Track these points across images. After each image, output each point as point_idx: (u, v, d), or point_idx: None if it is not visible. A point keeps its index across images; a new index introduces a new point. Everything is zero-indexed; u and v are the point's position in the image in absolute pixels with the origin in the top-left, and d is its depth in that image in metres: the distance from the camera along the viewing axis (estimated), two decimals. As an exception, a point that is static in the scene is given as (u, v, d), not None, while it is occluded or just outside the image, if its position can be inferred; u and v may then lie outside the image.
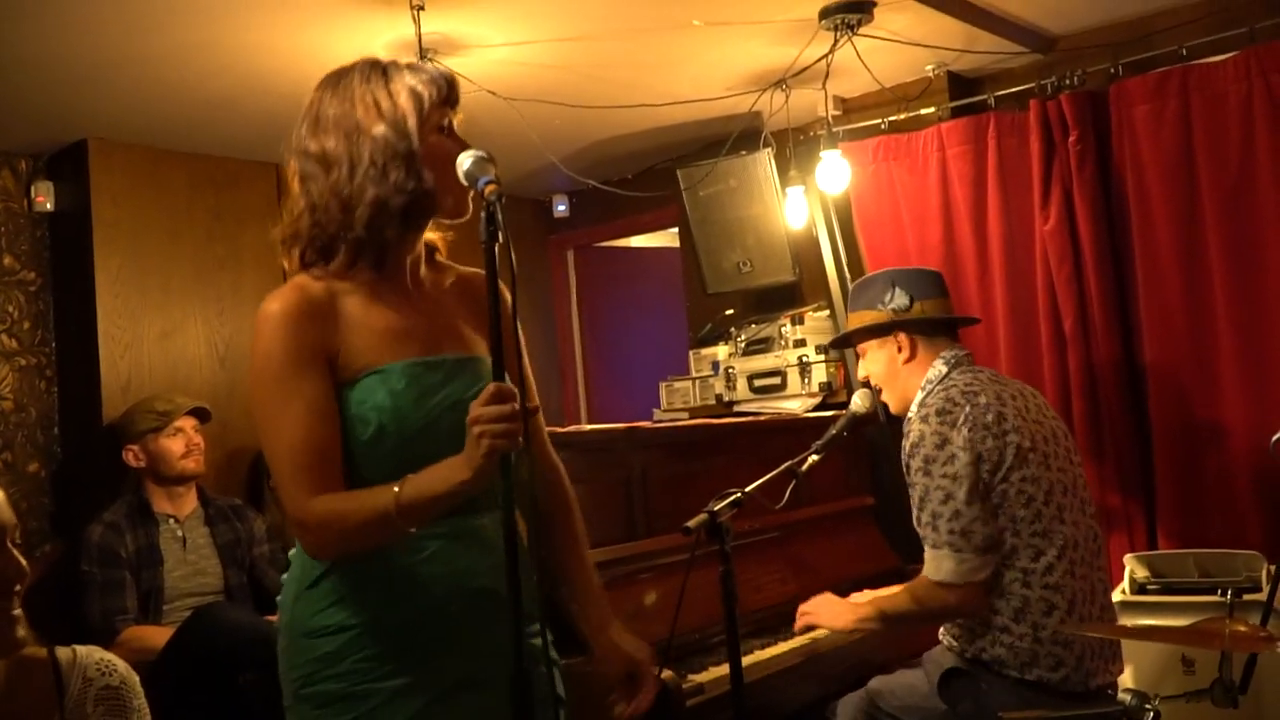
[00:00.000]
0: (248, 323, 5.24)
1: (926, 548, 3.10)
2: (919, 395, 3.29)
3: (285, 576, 2.19)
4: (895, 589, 3.35)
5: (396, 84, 2.11)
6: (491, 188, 1.88)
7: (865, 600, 3.40)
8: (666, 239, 7.25)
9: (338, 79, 2.17)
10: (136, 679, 2.88)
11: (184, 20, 3.82)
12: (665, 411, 5.63)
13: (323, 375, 2.05)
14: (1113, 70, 4.53)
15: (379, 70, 2.14)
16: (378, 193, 2.06)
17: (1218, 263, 4.30)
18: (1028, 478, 3.07)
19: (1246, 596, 3.57)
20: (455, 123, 2.18)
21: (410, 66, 2.15)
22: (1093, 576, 3.15)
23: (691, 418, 5.40)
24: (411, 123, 2.08)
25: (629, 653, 2.30)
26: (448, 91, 2.15)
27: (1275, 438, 3.43)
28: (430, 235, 2.26)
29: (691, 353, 5.69)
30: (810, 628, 3.48)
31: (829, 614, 3.38)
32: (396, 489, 1.94)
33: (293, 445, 2.00)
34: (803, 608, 3.46)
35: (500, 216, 1.85)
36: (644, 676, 2.31)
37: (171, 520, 4.45)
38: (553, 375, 6.87)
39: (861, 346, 3.49)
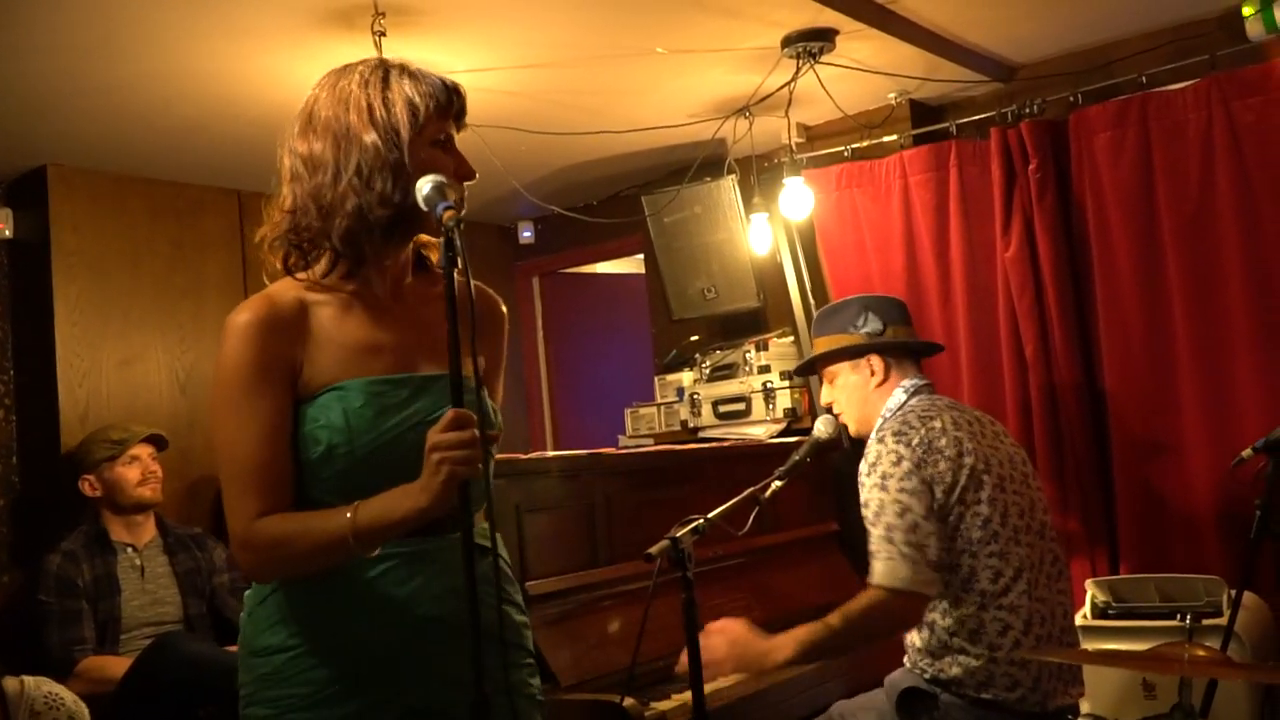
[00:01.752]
0: (210, 351, 5.22)
1: (879, 559, 3.06)
2: (878, 422, 3.31)
3: (246, 594, 2.13)
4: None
5: (394, 92, 2.04)
6: (450, 213, 1.83)
7: (783, 636, 3.07)
8: (632, 265, 7.26)
9: (338, 78, 2.09)
10: (85, 712, 2.85)
11: (145, 47, 3.80)
12: (630, 438, 5.63)
13: (284, 392, 2.00)
14: (1073, 99, 4.57)
15: (380, 74, 2.06)
16: (359, 202, 2.00)
17: (1177, 289, 4.33)
18: (983, 500, 3.08)
19: (1207, 621, 3.60)
20: (456, 136, 2.12)
21: (414, 74, 2.08)
22: (1053, 599, 3.15)
23: (656, 444, 5.40)
24: (404, 134, 2.01)
25: None
26: (448, 103, 2.09)
27: (1235, 460, 3.46)
28: (425, 239, 2.20)
29: (657, 379, 5.69)
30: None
31: (739, 662, 3.06)
32: (350, 514, 1.90)
33: (244, 461, 1.96)
34: (705, 659, 2.77)
35: (459, 242, 1.80)
36: None
37: (130, 549, 4.41)
38: (519, 402, 6.85)
39: (831, 370, 3.48)
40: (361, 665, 2.01)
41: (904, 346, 3.41)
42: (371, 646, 2.02)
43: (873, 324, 3.38)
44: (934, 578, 3.04)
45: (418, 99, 2.05)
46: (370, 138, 2.01)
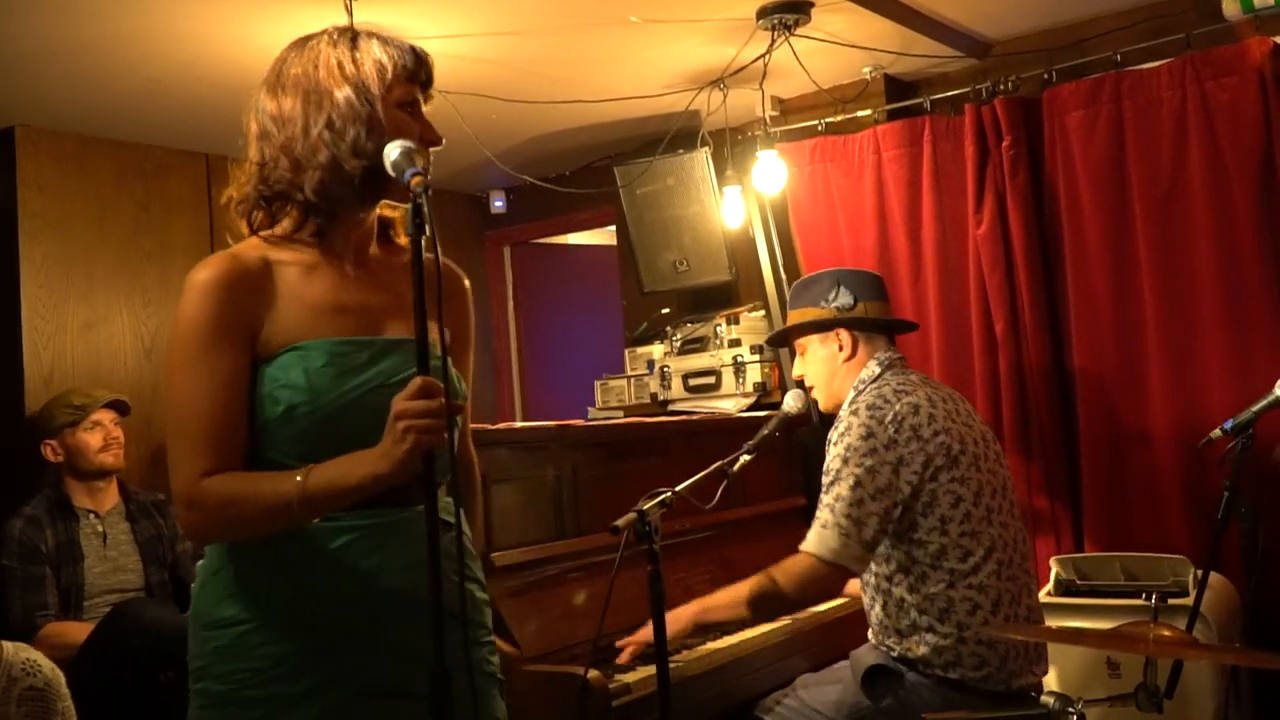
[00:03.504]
0: (175, 316, 5.16)
1: (815, 526, 3.09)
2: (851, 394, 3.30)
3: (199, 564, 2.09)
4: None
5: (363, 51, 2.05)
6: (418, 180, 1.81)
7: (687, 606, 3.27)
8: (604, 237, 7.23)
9: (305, 41, 2.10)
10: (62, 679, 2.83)
11: (114, 8, 3.75)
12: (600, 410, 5.61)
13: (241, 351, 1.96)
14: (1047, 76, 4.56)
15: (348, 36, 2.08)
16: (333, 154, 1.99)
17: (1147, 269, 4.34)
18: (957, 479, 3.08)
19: (1173, 601, 3.61)
20: (424, 104, 2.12)
21: (381, 37, 2.09)
22: (1021, 578, 3.17)
23: (626, 416, 5.39)
24: (375, 89, 2.02)
25: None
26: (416, 68, 2.09)
27: (1203, 441, 3.46)
28: (389, 213, 2.19)
29: (627, 351, 5.68)
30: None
31: (645, 632, 3.15)
32: (300, 477, 1.86)
33: (196, 417, 1.92)
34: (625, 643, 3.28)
35: (427, 209, 1.78)
36: None
37: (92, 515, 4.38)
38: (488, 373, 6.83)
39: (801, 343, 3.49)
40: (321, 639, 1.96)
41: (871, 323, 3.39)
42: (332, 620, 1.97)
43: (843, 298, 3.37)
44: (862, 555, 3.06)
45: (385, 59, 2.05)
46: (342, 93, 2.01)
